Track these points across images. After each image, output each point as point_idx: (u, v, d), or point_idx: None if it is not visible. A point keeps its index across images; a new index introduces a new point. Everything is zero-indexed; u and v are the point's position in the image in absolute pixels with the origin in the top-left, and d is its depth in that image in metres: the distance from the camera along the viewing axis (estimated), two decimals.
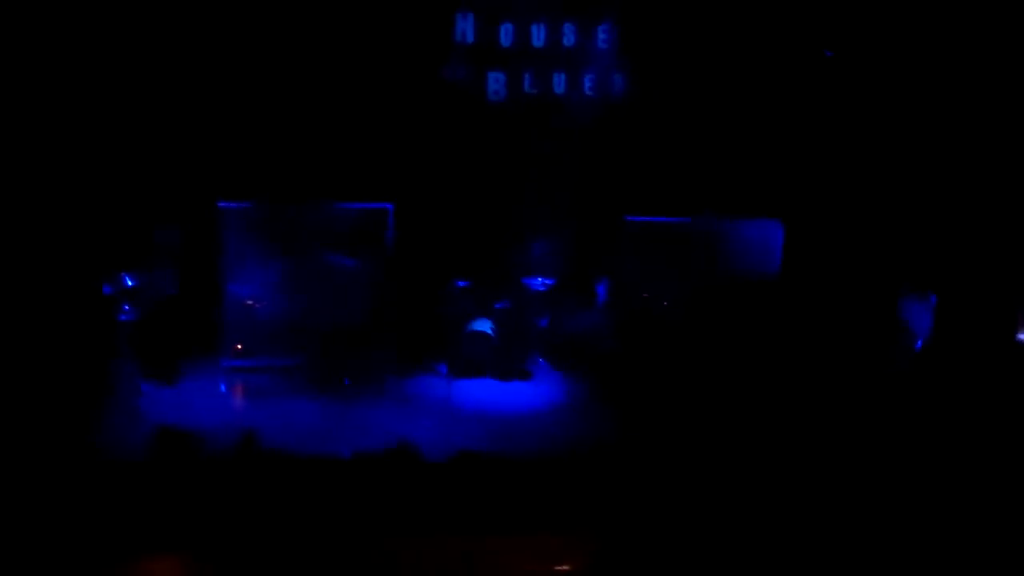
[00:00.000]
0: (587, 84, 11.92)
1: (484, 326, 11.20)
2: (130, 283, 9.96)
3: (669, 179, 11.44)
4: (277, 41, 10.92)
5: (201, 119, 10.87)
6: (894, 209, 10.94)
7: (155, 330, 10.14)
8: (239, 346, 11.00)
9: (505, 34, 11.75)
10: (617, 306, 11.63)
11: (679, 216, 11.37)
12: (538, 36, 11.78)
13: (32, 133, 10.11)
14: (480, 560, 5.68)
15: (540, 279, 11.63)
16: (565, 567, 5.15)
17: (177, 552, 6.04)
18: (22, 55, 10.07)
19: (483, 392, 10.77)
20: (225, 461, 7.47)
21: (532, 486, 6.65)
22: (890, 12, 11.04)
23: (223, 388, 10.51)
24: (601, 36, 11.85)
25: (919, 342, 8.47)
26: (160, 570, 5.98)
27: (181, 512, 6.48)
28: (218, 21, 10.78)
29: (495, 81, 11.78)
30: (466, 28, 11.72)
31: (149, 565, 5.96)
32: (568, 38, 11.81)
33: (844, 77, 11.38)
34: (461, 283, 11.35)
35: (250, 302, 11.07)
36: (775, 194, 11.31)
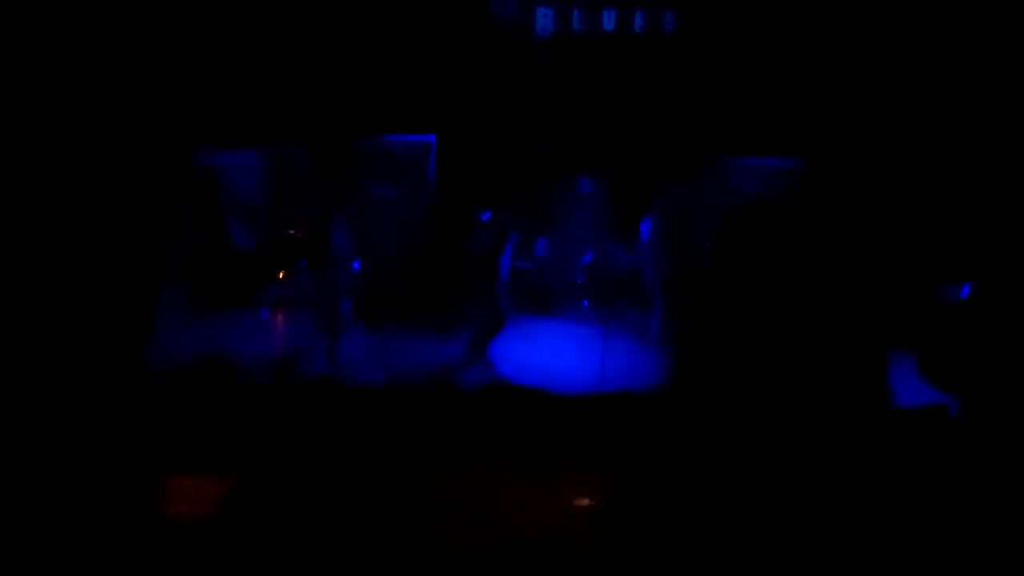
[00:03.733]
0: (637, 21, 11.79)
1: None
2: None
3: (715, 118, 11.31)
4: None
5: (240, 57, 10.88)
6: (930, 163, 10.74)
7: (207, 258, 10.27)
8: (282, 275, 11.11)
9: None
10: (661, 246, 11.58)
11: (724, 155, 11.26)
12: None
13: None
14: (505, 491, 5.76)
15: (584, 217, 11.62)
16: (585, 502, 5.21)
17: (212, 472, 6.16)
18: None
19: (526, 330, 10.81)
20: (263, 388, 7.62)
21: (561, 421, 6.71)
22: None
23: (264, 315, 10.64)
24: None
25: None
26: (196, 488, 6.11)
27: (218, 434, 6.61)
28: None
29: (543, 16, 11.69)
30: None
31: (186, 483, 6.10)
32: None
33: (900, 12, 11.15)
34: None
35: (292, 232, 11.17)
36: (813, 134, 11.14)
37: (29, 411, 6.65)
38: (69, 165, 9.76)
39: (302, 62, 10.94)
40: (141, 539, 5.18)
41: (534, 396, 7.87)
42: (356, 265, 10.39)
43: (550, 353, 10.14)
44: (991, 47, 10.53)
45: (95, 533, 5.17)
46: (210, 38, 10.75)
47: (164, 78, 10.53)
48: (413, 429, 6.88)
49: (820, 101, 11.11)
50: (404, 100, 11.08)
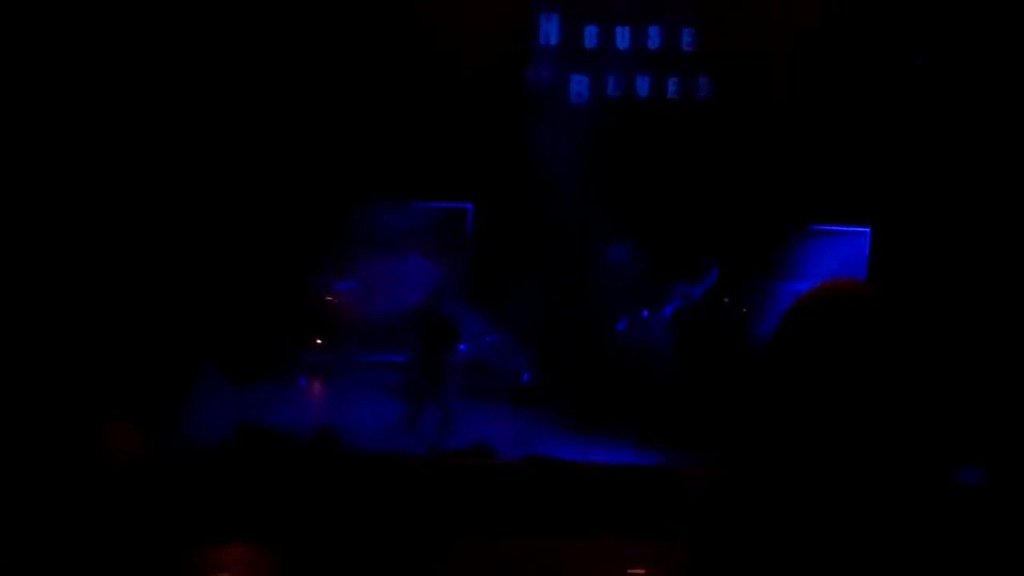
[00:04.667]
0: (671, 87, 11.84)
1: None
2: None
3: (750, 184, 11.28)
4: (364, 43, 10.99)
5: (285, 124, 10.97)
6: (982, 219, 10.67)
7: (238, 328, 10.27)
8: (319, 341, 11.11)
9: (589, 36, 11.73)
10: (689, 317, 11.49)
11: (762, 222, 11.21)
12: (622, 38, 11.73)
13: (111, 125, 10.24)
14: (549, 561, 5.69)
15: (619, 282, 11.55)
16: (640, 571, 5.15)
17: (251, 542, 6.11)
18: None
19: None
20: (303, 457, 7.56)
21: (601, 491, 6.63)
22: (979, 20, 10.79)
23: (302, 383, 10.62)
24: (685, 38, 11.76)
25: None
26: (234, 558, 6.06)
27: (258, 504, 6.56)
28: (310, 29, 10.89)
29: (578, 83, 11.76)
30: (550, 29, 11.71)
31: (223, 553, 6.04)
32: (652, 40, 11.75)
33: (934, 85, 11.15)
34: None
35: (330, 298, 11.18)
36: (861, 202, 11.11)
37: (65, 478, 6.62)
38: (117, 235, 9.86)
39: (341, 127, 11.01)
40: None
41: (572, 468, 7.80)
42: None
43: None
44: None
45: None
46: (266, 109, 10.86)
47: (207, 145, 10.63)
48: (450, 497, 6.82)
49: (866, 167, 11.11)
50: (440, 167, 11.12)
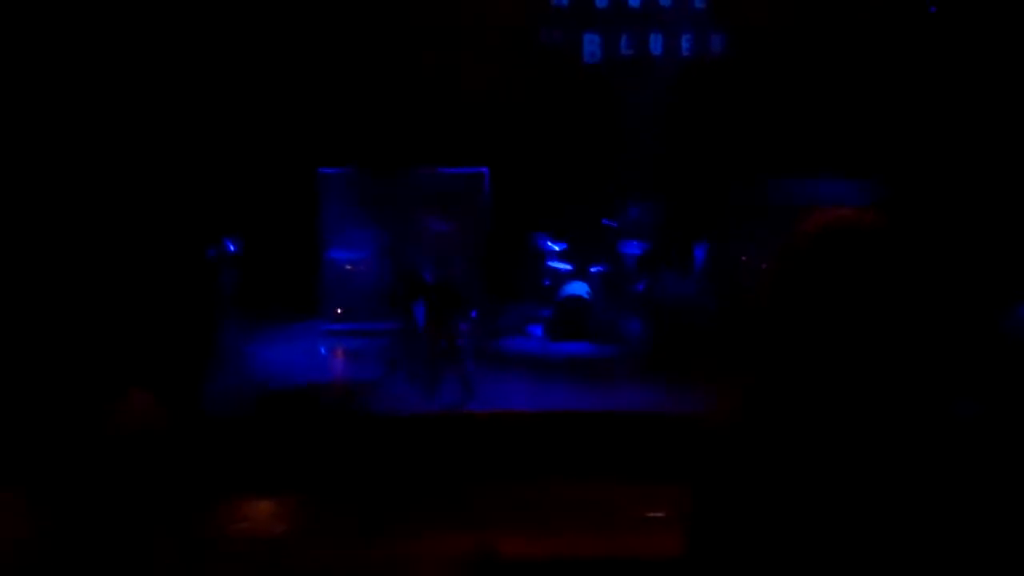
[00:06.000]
0: (684, 45, 11.77)
1: (580, 289, 11.17)
2: (232, 249, 10.13)
3: (766, 140, 11.22)
4: (375, 5, 10.97)
5: (301, 85, 10.98)
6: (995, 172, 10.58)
7: (257, 294, 10.31)
8: (339, 310, 11.16)
9: None
10: (715, 271, 11.49)
11: (777, 177, 11.15)
12: None
13: (136, 102, 10.29)
14: (570, 507, 5.72)
15: (636, 243, 11.55)
16: (659, 513, 5.17)
17: (275, 494, 6.15)
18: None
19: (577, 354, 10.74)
20: (324, 417, 7.62)
21: (621, 438, 6.65)
22: None
23: (323, 351, 10.67)
24: None
25: None
26: (259, 510, 6.10)
27: (280, 459, 6.60)
28: None
29: (591, 43, 11.70)
30: None
31: (247, 505, 6.09)
32: None
33: (947, 33, 11.04)
34: (548, 242, 11.27)
35: (349, 267, 11.21)
36: (873, 154, 11.03)
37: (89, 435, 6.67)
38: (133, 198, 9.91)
39: (352, 93, 11.01)
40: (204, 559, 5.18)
41: (590, 416, 7.83)
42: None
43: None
44: None
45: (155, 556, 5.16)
46: (271, 67, 10.86)
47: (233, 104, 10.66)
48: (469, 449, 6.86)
49: (865, 119, 11.02)
50: (454, 131, 11.11)
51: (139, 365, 8.03)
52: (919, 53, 11.09)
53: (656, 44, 11.74)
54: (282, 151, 10.95)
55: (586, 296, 11.17)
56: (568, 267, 11.38)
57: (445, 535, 4.93)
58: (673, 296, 11.42)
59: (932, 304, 2.15)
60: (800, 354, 2.20)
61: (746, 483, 2.20)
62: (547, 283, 11.38)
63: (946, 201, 10.33)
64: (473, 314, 10.10)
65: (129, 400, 5.81)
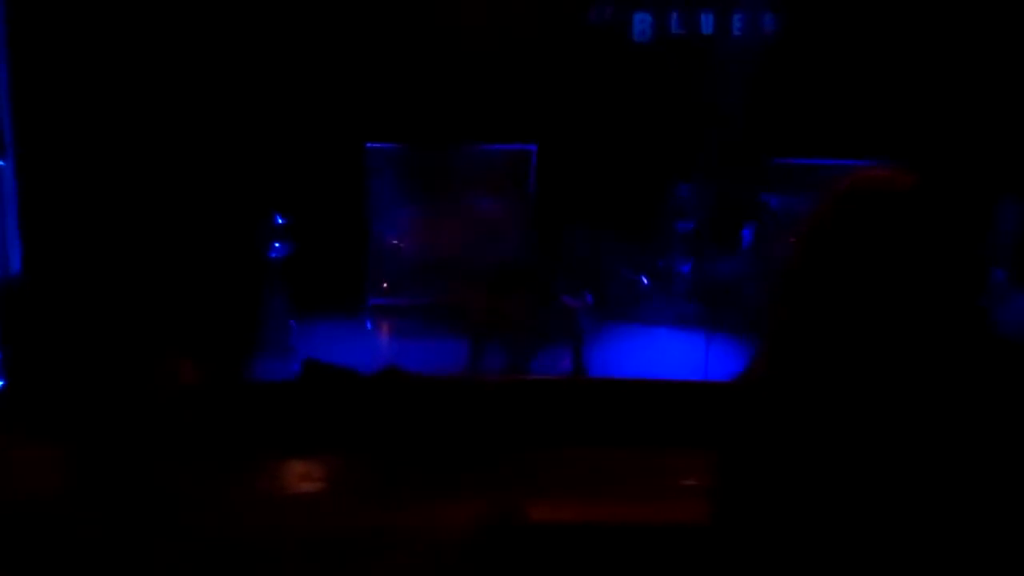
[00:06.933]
0: (736, 24, 11.67)
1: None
2: (280, 221, 10.22)
3: (818, 121, 11.11)
4: None
5: (349, 61, 11.03)
6: None
7: (305, 268, 10.39)
8: (385, 285, 11.22)
9: None
10: (762, 251, 11.44)
11: (828, 159, 11.05)
12: None
13: (184, 83, 10.41)
14: (606, 471, 5.72)
15: (684, 223, 11.53)
16: (691, 481, 5.16)
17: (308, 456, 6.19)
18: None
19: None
20: (369, 389, 7.68)
21: (655, 405, 6.67)
22: None
23: (369, 325, 10.74)
24: None
25: None
26: (317, 470, 6.15)
27: (328, 424, 6.66)
28: None
29: (641, 21, 11.64)
30: None
31: (305, 465, 6.13)
32: None
33: (1014, 16, 10.87)
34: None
35: (396, 242, 11.27)
36: (924, 139, 10.89)
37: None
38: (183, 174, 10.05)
39: (400, 68, 11.04)
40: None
41: (639, 385, 7.85)
42: None
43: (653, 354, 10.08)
44: None
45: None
46: (318, 42, 10.92)
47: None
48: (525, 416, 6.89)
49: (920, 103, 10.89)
50: (503, 109, 11.10)
51: (184, 332, 8.17)
52: (981, 37, 10.93)
53: (707, 23, 11.65)
54: (330, 125, 11.01)
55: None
56: None
57: (480, 499, 4.97)
58: (721, 276, 11.40)
59: (963, 266, 2.13)
60: (829, 316, 2.18)
61: (772, 448, 2.20)
62: None
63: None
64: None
65: (168, 363, 5.92)
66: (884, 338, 2.09)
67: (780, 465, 2.17)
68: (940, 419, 2.04)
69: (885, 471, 2.06)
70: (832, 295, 2.14)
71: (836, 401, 2.10)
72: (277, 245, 10.12)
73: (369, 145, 11.17)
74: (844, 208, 2.14)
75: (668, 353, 10.05)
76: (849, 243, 2.13)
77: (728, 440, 2.29)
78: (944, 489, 2.04)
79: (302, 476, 5.99)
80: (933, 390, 2.02)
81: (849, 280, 2.13)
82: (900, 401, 2.06)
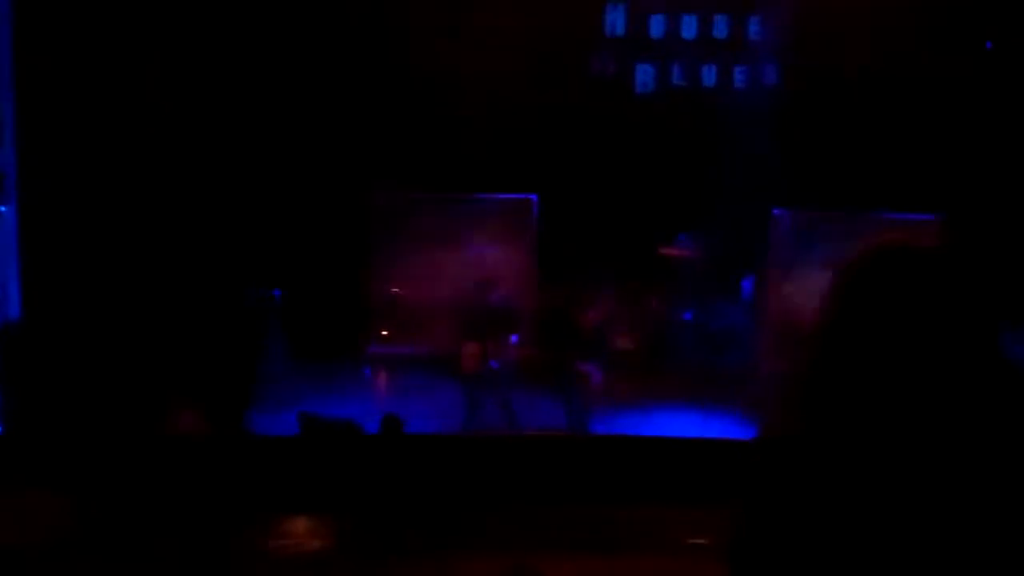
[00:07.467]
0: (738, 76, 11.73)
1: None
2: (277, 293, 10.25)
3: (819, 171, 11.11)
4: (431, 34, 11.02)
5: (353, 111, 11.06)
6: None
7: (304, 318, 10.36)
8: (384, 332, 11.18)
9: (655, 26, 11.66)
10: (763, 301, 11.43)
11: (830, 208, 11.06)
12: (689, 27, 11.65)
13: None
14: (619, 529, 5.68)
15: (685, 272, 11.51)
16: (701, 540, 5.12)
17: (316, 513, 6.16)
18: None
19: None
20: (368, 443, 7.62)
21: (665, 462, 6.62)
22: None
23: (367, 373, 10.69)
24: (752, 27, 11.64)
25: None
26: (300, 527, 6.12)
27: (322, 480, 6.63)
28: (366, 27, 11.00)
29: (643, 73, 11.69)
30: (616, 20, 11.66)
31: (289, 522, 6.10)
32: (719, 29, 11.65)
33: (1005, 69, 10.93)
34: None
35: (395, 290, 11.25)
36: (930, 188, 10.90)
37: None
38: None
39: (407, 120, 11.06)
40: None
41: (643, 443, 7.79)
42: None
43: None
44: None
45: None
46: (318, 98, 10.96)
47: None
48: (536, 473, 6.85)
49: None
50: (506, 159, 11.11)
51: (186, 381, 8.15)
52: (975, 88, 10.98)
53: (709, 75, 11.71)
54: (334, 175, 11.03)
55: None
56: None
57: (490, 556, 4.91)
58: (720, 325, 11.38)
59: (988, 329, 2.10)
60: (857, 379, 2.16)
61: (800, 507, 2.16)
62: None
63: (1001, 235, 10.18)
64: (514, 338, 9.97)
65: (178, 415, 5.91)
66: (912, 400, 2.07)
67: (807, 525, 2.14)
68: (968, 486, 2.01)
69: (913, 534, 2.04)
70: (859, 359, 2.12)
71: (864, 464, 2.07)
72: (277, 293, 10.11)
73: (374, 195, 11.16)
74: (870, 273, 2.13)
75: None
76: (875, 307, 2.11)
77: (751, 498, 2.26)
78: (968, 554, 2.01)
79: (306, 533, 5.96)
80: (962, 456, 2.00)
81: (876, 344, 2.11)
82: (928, 464, 2.04)
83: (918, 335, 2.04)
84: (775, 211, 11.36)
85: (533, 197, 11.30)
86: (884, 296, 2.09)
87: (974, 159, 10.89)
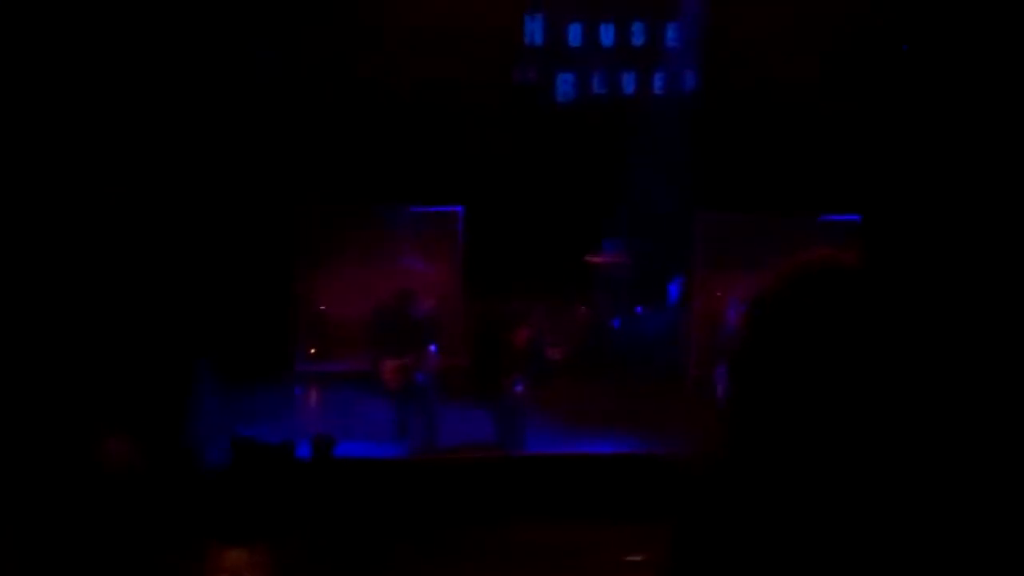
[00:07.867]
0: (657, 83, 11.82)
1: None
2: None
3: (740, 176, 11.23)
4: (352, 48, 10.96)
5: (278, 125, 10.94)
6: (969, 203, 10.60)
7: (230, 337, 10.21)
8: (312, 350, 11.08)
9: (574, 35, 11.71)
10: (688, 306, 11.51)
11: (751, 212, 11.16)
12: (607, 35, 11.71)
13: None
14: (547, 550, 5.68)
15: (611, 280, 11.57)
16: (637, 557, 5.15)
17: (250, 544, 6.08)
18: None
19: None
20: (299, 468, 7.56)
21: (598, 480, 6.63)
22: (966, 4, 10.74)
23: (297, 391, 10.59)
24: (670, 34, 11.74)
25: None
26: (235, 560, 6.04)
27: (255, 509, 6.55)
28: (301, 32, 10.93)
29: (564, 82, 11.74)
30: (535, 30, 11.69)
31: (224, 555, 6.02)
32: (637, 37, 11.73)
33: (920, 71, 11.12)
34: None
35: (323, 307, 11.15)
36: (849, 190, 11.06)
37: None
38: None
39: (331, 133, 10.98)
40: None
41: (566, 459, 7.78)
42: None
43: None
44: None
45: None
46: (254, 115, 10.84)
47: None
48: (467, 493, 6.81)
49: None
50: (429, 170, 11.08)
51: (120, 416, 7.99)
52: (891, 90, 11.16)
53: (629, 83, 11.79)
54: (258, 189, 10.90)
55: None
56: None
57: None
58: (646, 332, 11.43)
59: (915, 346, 2.12)
60: (781, 397, 2.16)
61: (729, 527, 2.16)
62: None
63: (919, 237, 10.36)
64: (433, 349, 9.88)
65: (109, 443, 5.78)
66: (838, 419, 2.08)
67: (741, 546, 2.13)
68: (896, 510, 2.03)
69: (848, 553, 2.05)
70: (783, 377, 2.12)
71: (796, 484, 2.08)
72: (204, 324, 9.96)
73: (297, 207, 11.04)
74: (790, 290, 2.13)
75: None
76: (798, 325, 2.12)
77: (684, 518, 2.26)
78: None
79: (244, 564, 5.87)
80: (891, 473, 2.01)
81: (800, 362, 2.11)
82: (860, 482, 2.05)
83: (837, 357, 2.04)
84: (699, 215, 11.44)
85: (459, 209, 11.27)
86: (801, 321, 2.09)
87: (892, 161, 11.07)
